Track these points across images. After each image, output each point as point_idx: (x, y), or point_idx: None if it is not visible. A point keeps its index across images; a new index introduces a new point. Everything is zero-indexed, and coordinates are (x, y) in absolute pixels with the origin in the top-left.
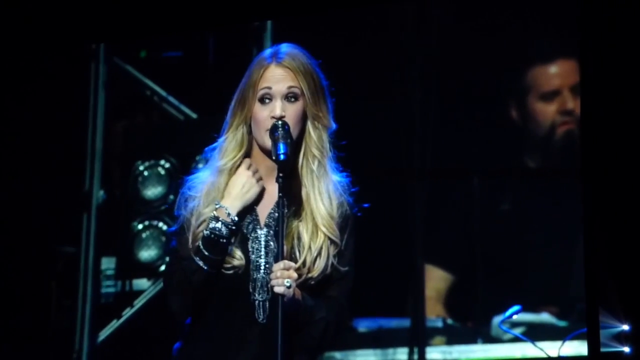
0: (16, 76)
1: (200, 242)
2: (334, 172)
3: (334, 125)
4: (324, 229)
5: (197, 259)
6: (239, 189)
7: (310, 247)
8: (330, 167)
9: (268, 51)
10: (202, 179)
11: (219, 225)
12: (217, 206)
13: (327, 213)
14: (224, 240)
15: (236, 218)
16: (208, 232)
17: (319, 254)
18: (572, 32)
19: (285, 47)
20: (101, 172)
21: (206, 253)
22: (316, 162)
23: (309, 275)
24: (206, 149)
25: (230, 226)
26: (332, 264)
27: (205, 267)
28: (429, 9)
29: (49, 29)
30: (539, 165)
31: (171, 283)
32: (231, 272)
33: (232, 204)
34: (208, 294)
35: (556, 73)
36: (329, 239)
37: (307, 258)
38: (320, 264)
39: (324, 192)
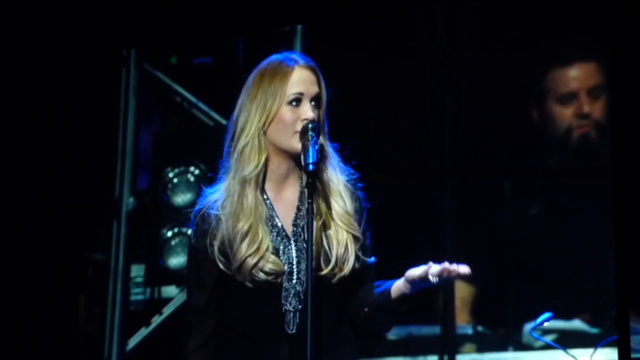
0: (46, 83)
1: None
2: (342, 172)
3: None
4: (344, 226)
5: None
6: None
7: (337, 246)
8: (338, 167)
9: (279, 57)
10: (223, 194)
11: None
12: None
13: (343, 210)
14: None
15: None
16: None
17: (346, 250)
18: (592, 34)
19: (297, 54)
20: (131, 179)
21: None
22: (327, 164)
23: (341, 273)
24: (221, 162)
25: None
26: (359, 257)
27: None
28: (459, 16)
29: (79, 36)
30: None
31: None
32: (264, 281)
33: None
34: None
35: (574, 76)
36: (351, 234)
37: (337, 257)
38: (349, 260)
39: (337, 191)
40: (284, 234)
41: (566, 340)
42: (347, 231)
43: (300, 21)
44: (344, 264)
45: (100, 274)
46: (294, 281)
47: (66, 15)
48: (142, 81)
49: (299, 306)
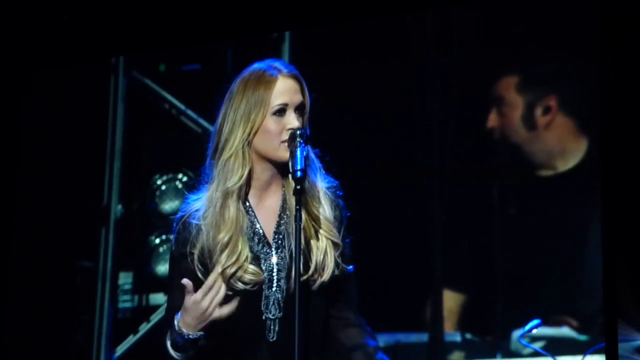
0: (35, 91)
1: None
2: (323, 179)
3: None
4: (324, 233)
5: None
6: (199, 315)
7: (317, 253)
8: (319, 174)
9: (262, 65)
10: (205, 204)
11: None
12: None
13: (323, 217)
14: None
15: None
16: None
17: (325, 256)
18: (580, 41)
19: (280, 62)
20: (119, 186)
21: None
22: (309, 170)
23: (321, 279)
24: (203, 169)
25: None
26: (338, 264)
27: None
28: (448, 22)
29: (68, 43)
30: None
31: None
32: (243, 290)
33: (187, 328)
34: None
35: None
36: (330, 240)
37: (316, 263)
38: (328, 266)
39: (317, 198)
40: (265, 241)
41: (555, 348)
42: (326, 237)
43: (289, 28)
44: (323, 269)
45: (88, 281)
46: (273, 289)
47: (55, 23)
48: (131, 88)
49: (279, 314)
